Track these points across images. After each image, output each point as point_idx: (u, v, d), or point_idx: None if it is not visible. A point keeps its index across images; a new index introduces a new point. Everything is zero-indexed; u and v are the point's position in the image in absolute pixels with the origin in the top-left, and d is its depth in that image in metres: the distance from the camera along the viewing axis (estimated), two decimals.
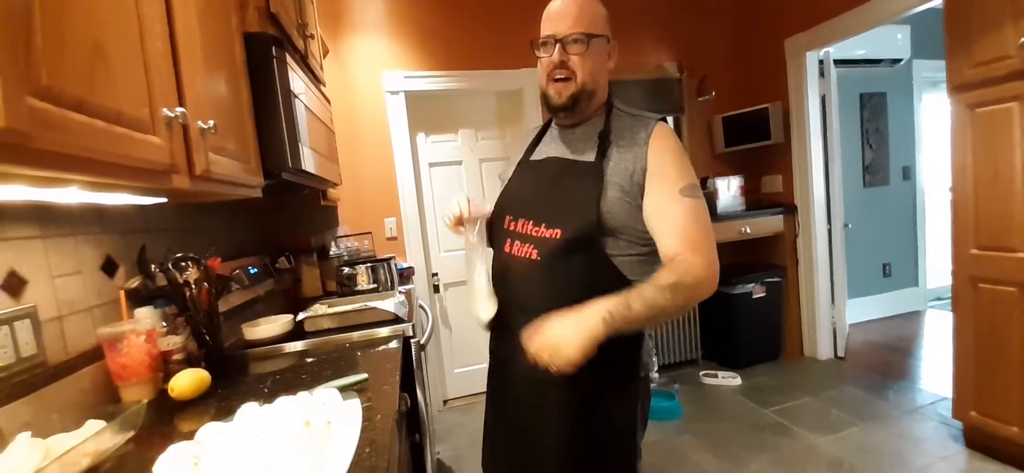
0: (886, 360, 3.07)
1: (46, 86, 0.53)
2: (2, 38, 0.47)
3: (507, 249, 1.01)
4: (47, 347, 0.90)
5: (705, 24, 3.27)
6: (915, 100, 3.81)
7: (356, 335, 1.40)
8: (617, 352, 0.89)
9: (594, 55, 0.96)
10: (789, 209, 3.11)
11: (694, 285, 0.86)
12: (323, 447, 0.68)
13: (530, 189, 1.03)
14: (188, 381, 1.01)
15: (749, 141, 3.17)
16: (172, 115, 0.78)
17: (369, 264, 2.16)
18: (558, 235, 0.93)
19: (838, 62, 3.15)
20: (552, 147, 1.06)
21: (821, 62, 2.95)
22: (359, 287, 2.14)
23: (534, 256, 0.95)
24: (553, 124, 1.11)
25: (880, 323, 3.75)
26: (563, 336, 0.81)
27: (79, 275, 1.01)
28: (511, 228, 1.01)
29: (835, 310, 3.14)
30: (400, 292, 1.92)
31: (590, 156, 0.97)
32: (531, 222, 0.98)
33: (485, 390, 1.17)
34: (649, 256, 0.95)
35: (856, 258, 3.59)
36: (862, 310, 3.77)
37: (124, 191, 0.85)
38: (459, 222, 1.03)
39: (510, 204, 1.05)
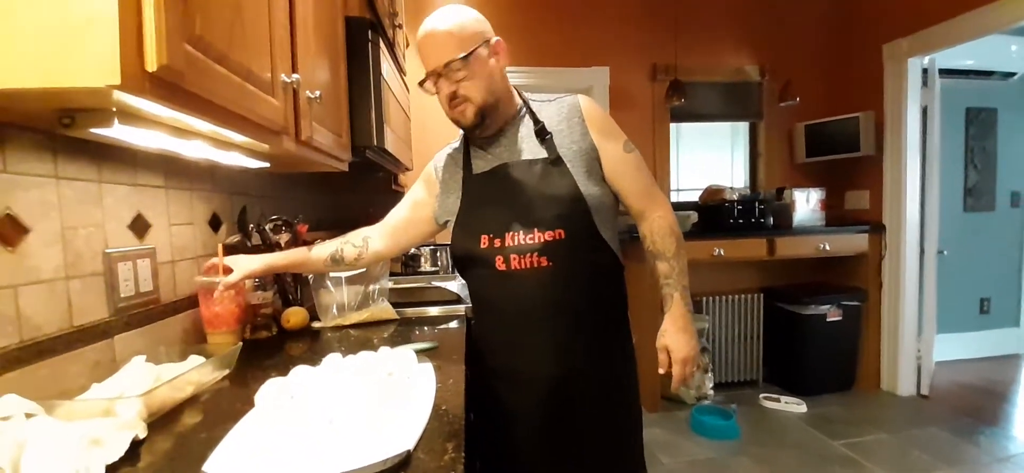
0: (977, 403, 2.76)
1: (198, 35, 0.59)
2: None
3: (501, 266, 0.94)
4: (161, 286, 1.00)
5: (792, 25, 3.09)
6: None
7: (410, 311, 1.40)
8: (619, 329, 1.05)
9: (478, 70, 0.92)
10: (876, 228, 2.87)
11: (678, 231, 1.02)
12: (406, 396, 0.71)
13: (497, 201, 0.97)
14: (299, 317, 1.24)
15: (834, 152, 2.96)
16: (288, 81, 0.85)
17: (433, 248, 2.23)
18: (562, 235, 0.92)
19: (943, 72, 2.88)
20: (490, 158, 1.01)
21: (925, 70, 2.71)
22: (422, 268, 2.21)
23: (544, 263, 0.92)
24: (472, 141, 1.05)
25: (972, 364, 3.37)
26: (690, 345, 0.97)
27: (191, 226, 1.11)
28: (497, 245, 0.95)
29: (921, 343, 2.86)
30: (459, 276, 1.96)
31: (539, 153, 0.96)
32: (520, 232, 0.93)
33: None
34: (616, 230, 1.04)
35: (949, 289, 3.24)
36: (952, 347, 3.41)
37: (238, 150, 0.93)
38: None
39: (480, 221, 0.98)
